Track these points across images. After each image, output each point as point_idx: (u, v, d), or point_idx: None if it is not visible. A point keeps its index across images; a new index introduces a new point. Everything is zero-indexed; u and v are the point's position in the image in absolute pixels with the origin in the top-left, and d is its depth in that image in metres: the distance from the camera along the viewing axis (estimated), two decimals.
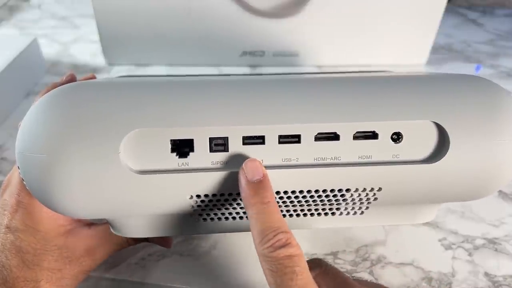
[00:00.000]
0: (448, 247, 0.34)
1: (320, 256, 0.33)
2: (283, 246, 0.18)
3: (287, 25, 0.53)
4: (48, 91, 0.26)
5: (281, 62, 0.56)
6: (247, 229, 0.26)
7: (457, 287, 0.32)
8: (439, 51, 0.62)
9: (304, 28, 0.53)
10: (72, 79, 0.30)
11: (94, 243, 0.28)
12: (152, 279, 0.32)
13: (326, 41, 0.55)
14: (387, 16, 0.53)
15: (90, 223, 0.29)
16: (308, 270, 0.19)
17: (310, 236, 0.35)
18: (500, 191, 0.39)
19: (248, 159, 0.21)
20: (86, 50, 0.60)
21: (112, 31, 0.53)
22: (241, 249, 0.34)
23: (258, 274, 0.32)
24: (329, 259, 0.33)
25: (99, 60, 0.57)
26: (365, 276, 0.32)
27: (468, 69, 0.58)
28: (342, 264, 0.33)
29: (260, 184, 0.20)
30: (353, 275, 0.32)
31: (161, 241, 0.31)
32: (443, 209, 0.37)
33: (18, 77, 0.49)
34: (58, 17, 0.69)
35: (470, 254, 0.34)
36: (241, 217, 0.25)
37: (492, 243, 0.35)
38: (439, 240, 0.35)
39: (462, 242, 0.35)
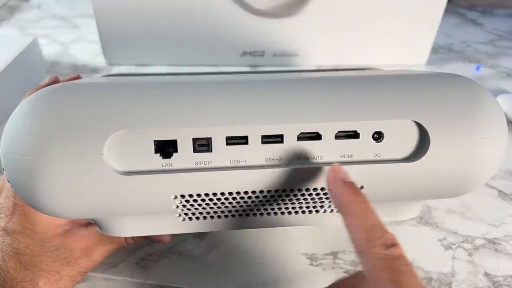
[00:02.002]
0: (448, 247, 0.34)
1: (320, 256, 0.33)
2: (393, 245, 0.19)
3: (287, 25, 0.53)
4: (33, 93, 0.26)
5: (281, 62, 0.56)
6: (231, 227, 0.26)
7: (457, 287, 0.32)
8: (439, 51, 0.62)
9: (304, 28, 0.53)
10: (55, 81, 0.30)
11: (92, 243, 0.28)
12: (152, 279, 0.32)
13: (326, 41, 0.55)
14: (387, 16, 0.53)
15: (88, 223, 0.29)
16: None
17: (310, 236, 0.35)
18: (500, 191, 0.39)
19: (334, 163, 0.21)
20: (86, 50, 0.60)
21: (112, 31, 0.53)
22: (241, 249, 0.34)
23: (258, 274, 0.32)
24: (329, 259, 0.33)
25: (99, 60, 0.57)
26: None
27: (468, 69, 0.58)
28: (342, 264, 0.33)
29: (355, 185, 0.20)
30: None
31: (158, 236, 0.31)
32: (443, 209, 0.37)
33: (18, 77, 0.49)
34: (58, 17, 0.69)
35: (470, 254, 0.34)
36: (226, 216, 0.25)
37: (492, 243, 0.35)
38: (439, 240, 0.35)
39: (462, 242, 0.35)
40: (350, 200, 0.20)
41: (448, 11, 0.54)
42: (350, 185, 0.20)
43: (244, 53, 0.56)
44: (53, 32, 0.64)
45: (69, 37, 0.63)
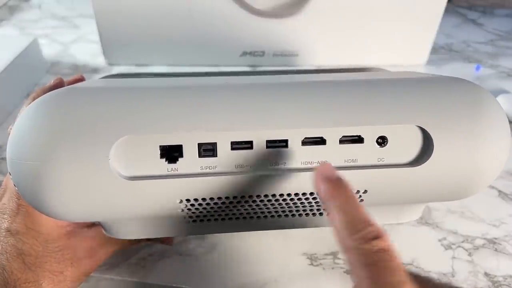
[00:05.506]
0: (448, 247, 0.34)
1: (320, 256, 0.33)
2: (376, 238, 0.17)
3: (287, 25, 0.53)
4: (38, 95, 0.26)
5: (281, 62, 0.56)
6: (238, 230, 0.26)
7: None
8: (439, 51, 0.62)
9: (304, 28, 0.53)
10: (60, 82, 0.30)
11: (96, 244, 0.28)
12: (152, 279, 0.32)
13: (326, 41, 0.55)
14: (387, 16, 0.53)
15: (91, 224, 0.29)
16: (404, 266, 0.18)
17: (310, 236, 0.35)
18: (500, 191, 0.39)
19: (322, 162, 0.21)
20: (86, 50, 0.60)
21: (112, 31, 0.53)
22: (241, 249, 0.34)
23: (258, 274, 0.32)
24: (329, 259, 0.33)
25: (99, 60, 0.57)
26: None
27: (468, 69, 0.58)
28: (342, 264, 0.33)
29: (341, 181, 0.20)
30: None
31: (162, 239, 0.31)
32: (443, 209, 0.37)
33: (18, 77, 0.49)
34: (58, 17, 0.69)
35: (470, 254, 0.34)
36: (230, 218, 0.25)
37: (492, 243, 0.35)
38: (439, 240, 0.35)
39: (462, 242, 0.35)
40: (331, 195, 0.19)
41: (448, 11, 0.54)
42: (333, 180, 0.19)
43: (244, 53, 0.56)
44: (53, 32, 0.64)
45: (69, 37, 0.63)
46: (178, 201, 0.22)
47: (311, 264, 0.33)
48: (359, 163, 0.22)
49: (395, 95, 0.22)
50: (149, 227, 0.25)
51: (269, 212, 0.25)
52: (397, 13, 0.52)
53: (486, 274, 0.32)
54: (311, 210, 0.25)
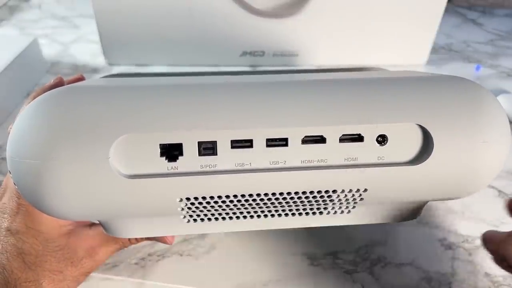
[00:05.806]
0: (448, 247, 0.34)
1: (320, 256, 0.33)
2: None
3: (287, 25, 0.53)
4: (38, 94, 0.26)
5: (281, 62, 0.56)
6: (238, 229, 0.26)
7: (457, 287, 0.32)
8: (439, 51, 0.62)
9: (304, 28, 0.53)
10: (60, 82, 0.30)
11: (96, 243, 0.28)
12: (152, 279, 0.32)
13: (326, 41, 0.55)
14: (387, 16, 0.53)
15: (92, 223, 0.29)
16: None
17: (310, 236, 0.35)
18: (500, 191, 0.39)
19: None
20: (86, 50, 0.60)
21: (112, 31, 0.53)
22: (241, 249, 0.34)
23: (258, 274, 0.32)
24: (329, 259, 0.33)
25: (99, 60, 0.57)
26: (365, 276, 0.32)
27: (468, 69, 0.58)
28: (342, 264, 0.33)
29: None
30: (353, 275, 0.32)
31: (162, 238, 0.31)
32: (443, 209, 0.37)
33: (18, 77, 0.49)
34: (58, 17, 0.69)
35: (470, 254, 0.34)
36: (230, 217, 0.25)
37: None
38: (439, 240, 0.35)
39: (462, 242, 0.35)
40: None
41: (448, 11, 0.54)
42: None
43: (244, 53, 0.56)
44: (53, 32, 0.64)
45: (69, 37, 0.63)
46: (178, 199, 0.22)
47: (311, 264, 0.33)
48: (359, 161, 0.22)
49: (395, 93, 0.22)
50: (149, 226, 0.25)
51: (269, 211, 0.25)
52: (397, 13, 0.52)
53: (486, 274, 0.32)
54: (311, 209, 0.25)
